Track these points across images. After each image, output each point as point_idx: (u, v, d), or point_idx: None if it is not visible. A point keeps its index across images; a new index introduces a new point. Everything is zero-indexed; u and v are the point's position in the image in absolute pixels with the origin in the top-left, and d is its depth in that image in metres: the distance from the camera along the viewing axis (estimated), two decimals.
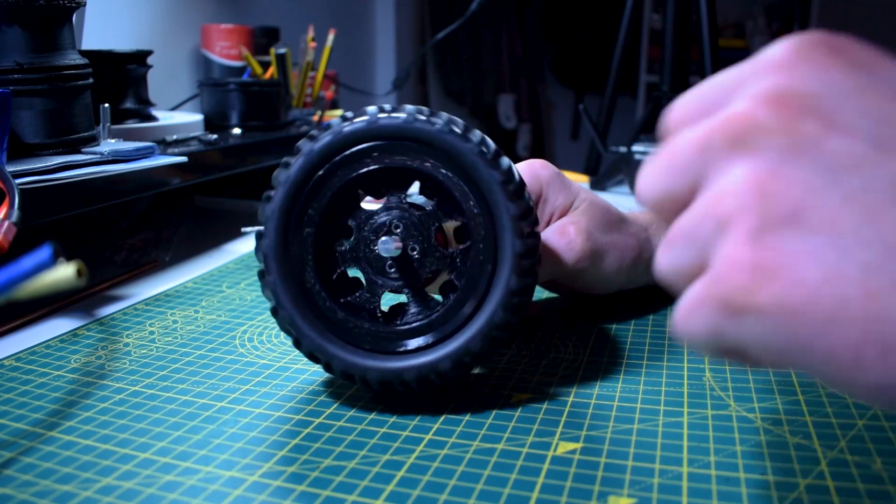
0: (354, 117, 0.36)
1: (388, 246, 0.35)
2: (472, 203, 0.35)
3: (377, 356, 0.36)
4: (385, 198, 0.37)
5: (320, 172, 0.36)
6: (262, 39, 1.14)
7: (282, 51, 0.96)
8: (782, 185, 0.18)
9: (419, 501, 0.29)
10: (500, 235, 0.35)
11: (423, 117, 0.35)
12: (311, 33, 1.04)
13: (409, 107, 0.35)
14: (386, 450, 0.33)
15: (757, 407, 0.36)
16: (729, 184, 0.19)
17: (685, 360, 0.42)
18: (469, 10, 1.23)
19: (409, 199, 0.37)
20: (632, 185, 0.92)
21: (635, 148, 0.89)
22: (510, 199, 0.34)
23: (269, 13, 1.49)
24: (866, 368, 0.17)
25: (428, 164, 0.35)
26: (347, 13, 2.08)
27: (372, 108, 0.36)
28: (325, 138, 0.35)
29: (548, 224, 0.45)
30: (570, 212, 0.46)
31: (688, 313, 0.21)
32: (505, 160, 0.35)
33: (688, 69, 1.13)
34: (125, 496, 0.30)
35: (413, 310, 0.37)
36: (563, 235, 0.43)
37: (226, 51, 1.11)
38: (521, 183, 0.35)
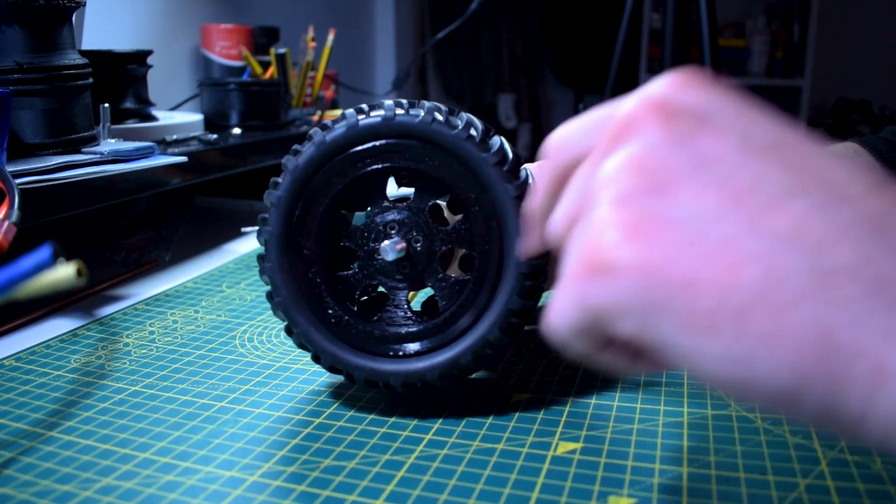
0: (370, 111, 0.35)
1: (391, 249, 0.35)
2: (478, 209, 0.34)
3: (369, 357, 0.36)
4: (367, 209, 0.37)
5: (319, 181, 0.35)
6: (262, 39, 1.14)
7: (282, 51, 0.96)
8: (652, 163, 0.21)
9: (419, 501, 0.29)
10: (506, 249, 0.34)
11: (441, 118, 0.34)
12: (311, 33, 1.04)
13: (427, 104, 0.35)
14: (386, 450, 0.33)
15: (757, 407, 0.36)
16: (606, 164, 0.22)
17: None
18: (469, 10, 1.22)
19: (390, 198, 0.37)
20: None
21: None
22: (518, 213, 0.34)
23: (269, 13, 1.49)
24: (718, 334, 0.19)
25: (441, 169, 0.35)
26: (347, 13, 2.08)
27: (389, 103, 0.35)
28: (339, 130, 0.35)
29: None
30: None
31: (558, 296, 0.23)
32: (522, 172, 0.34)
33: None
34: (125, 496, 0.30)
35: (407, 315, 0.37)
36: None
37: (226, 51, 1.11)
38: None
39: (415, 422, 0.36)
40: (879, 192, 0.19)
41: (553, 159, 0.26)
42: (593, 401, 0.37)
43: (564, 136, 0.26)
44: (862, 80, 2.89)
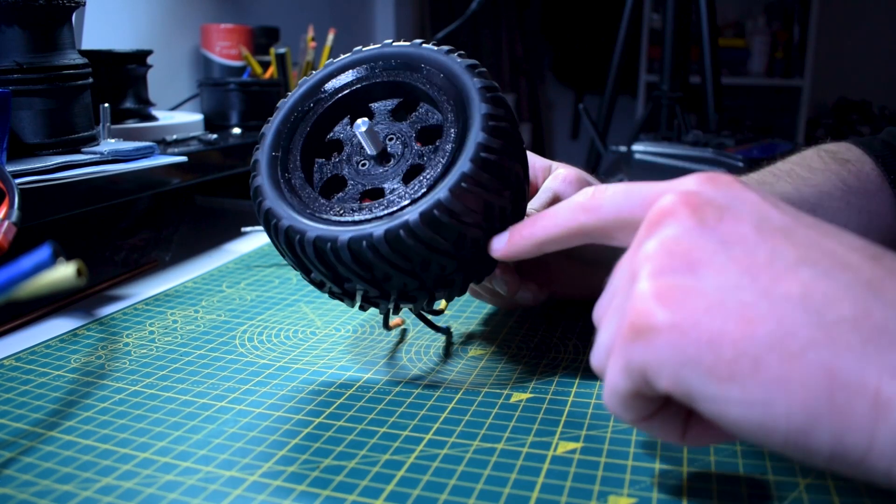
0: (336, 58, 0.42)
1: (360, 127, 0.38)
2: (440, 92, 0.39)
3: (324, 222, 0.36)
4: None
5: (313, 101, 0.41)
6: (262, 39, 1.14)
7: (282, 51, 0.96)
8: (682, 246, 0.25)
9: (419, 501, 0.29)
10: (468, 127, 0.37)
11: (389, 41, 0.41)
12: (311, 33, 1.04)
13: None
14: (386, 450, 0.33)
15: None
16: (645, 246, 0.26)
17: None
18: (469, 9, 1.23)
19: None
20: None
21: (635, 147, 0.89)
22: (473, 75, 0.38)
23: (269, 13, 1.49)
24: (738, 380, 0.22)
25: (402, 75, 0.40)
26: (347, 13, 2.08)
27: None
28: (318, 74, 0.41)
29: (535, 192, 0.47)
30: (552, 171, 0.48)
31: (609, 370, 0.26)
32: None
33: (688, 69, 1.13)
34: (125, 496, 0.30)
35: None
36: (568, 174, 0.46)
37: (226, 51, 1.11)
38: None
39: (415, 422, 0.36)
40: (875, 260, 0.23)
41: (595, 210, 0.31)
42: (593, 401, 0.37)
43: (613, 195, 0.30)
44: (862, 80, 2.89)
